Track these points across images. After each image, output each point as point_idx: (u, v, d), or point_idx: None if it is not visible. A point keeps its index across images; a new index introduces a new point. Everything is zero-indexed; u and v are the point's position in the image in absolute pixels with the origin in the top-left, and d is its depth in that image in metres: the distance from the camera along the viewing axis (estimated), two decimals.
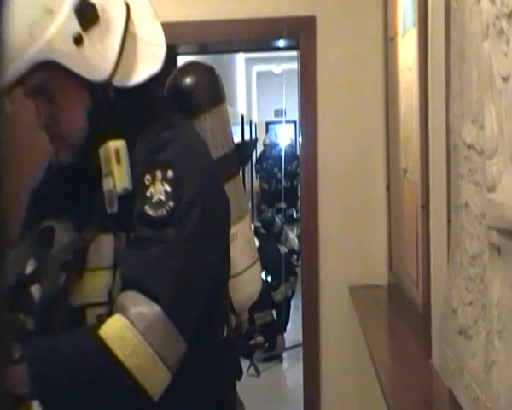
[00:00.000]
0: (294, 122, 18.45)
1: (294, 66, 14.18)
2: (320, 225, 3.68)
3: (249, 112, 15.60)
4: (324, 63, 3.64)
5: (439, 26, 2.10)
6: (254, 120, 16.00)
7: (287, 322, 6.55)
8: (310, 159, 3.66)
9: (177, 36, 3.68)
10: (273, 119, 17.26)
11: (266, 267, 6.26)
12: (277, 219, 6.81)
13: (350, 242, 3.70)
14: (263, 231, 6.56)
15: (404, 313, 2.90)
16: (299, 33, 3.61)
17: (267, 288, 6.30)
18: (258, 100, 17.75)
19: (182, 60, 6.07)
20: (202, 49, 4.01)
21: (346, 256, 3.70)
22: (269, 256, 6.14)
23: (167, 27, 3.56)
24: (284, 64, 16.43)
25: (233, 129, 7.65)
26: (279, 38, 3.74)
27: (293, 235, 6.94)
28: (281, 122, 16.14)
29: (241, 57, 13.52)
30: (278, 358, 6.30)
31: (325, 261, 3.71)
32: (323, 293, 3.72)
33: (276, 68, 16.79)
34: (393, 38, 3.06)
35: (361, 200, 3.67)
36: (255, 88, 17.69)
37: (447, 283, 1.87)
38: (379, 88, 3.57)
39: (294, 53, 13.92)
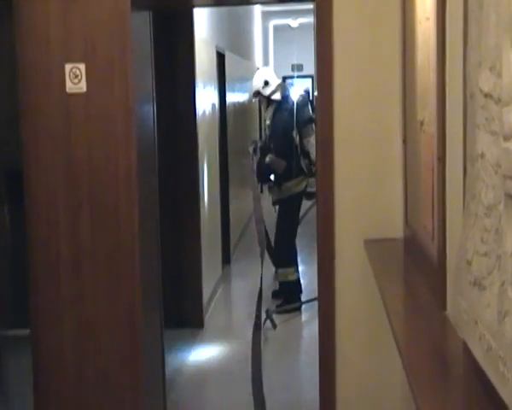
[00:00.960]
0: (311, 77, 18.33)
1: (312, 19, 14.01)
2: (336, 179, 3.67)
3: (266, 66, 15.47)
4: (340, 15, 3.57)
5: None
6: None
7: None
8: (325, 113, 3.62)
9: None
10: (290, 73, 17.08)
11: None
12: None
13: (365, 195, 3.68)
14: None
15: (419, 266, 2.89)
16: None
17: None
18: (275, 54, 17.57)
19: (198, 12, 6.05)
20: (217, 2, 3.96)
21: (362, 209, 3.69)
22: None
23: None
24: (301, 18, 16.28)
25: (250, 83, 7.69)
26: None
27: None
28: (299, 77, 15.96)
29: (257, 11, 13.36)
30: (297, 310, 6.34)
31: (340, 214, 3.70)
32: (339, 246, 3.72)
33: (293, 22, 16.60)
34: None
35: (377, 153, 3.64)
36: (272, 42, 17.50)
37: (462, 234, 1.86)
38: (395, 39, 3.50)
39: (311, 6, 13.71)
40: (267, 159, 6.34)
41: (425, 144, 2.70)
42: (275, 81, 6.50)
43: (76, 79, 3.67)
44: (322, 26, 3.58)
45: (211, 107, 6.87)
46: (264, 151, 6.43)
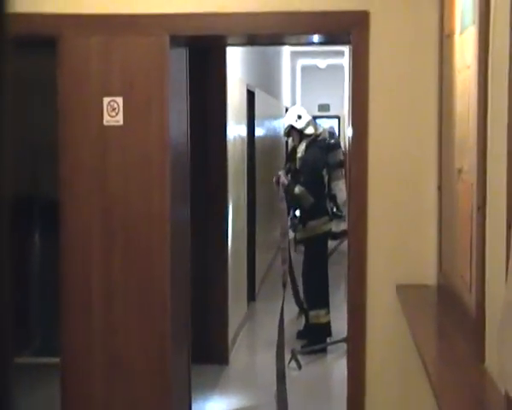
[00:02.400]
0: (338, 117, 18.41)
1: (339, 61, 14.11)
2: (369, 222, 3.65)
3: (294, 105, 15.56)
4: (377, 59, 3.60)
5: (503, 23, 2.06)
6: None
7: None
8: (359, 155, 3.62)
9: (227, 27, 3.69)
10: (317, 113, 17.16)
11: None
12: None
13: (398, 240, 3.66)
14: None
15: (454, 316, 2.85)
16: (351, 28, 3.57)
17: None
18: (303, 94, 17.68)
19: (230, 50, 6.12)
20: (250, 41, 4.00)
21: (395, 254, 3.66)
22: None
23: (218, 18, 3.63)
24: (329, 59, 16.41)
25: (278, 122, 7.85)
26: (331, 33, 3.70)
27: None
28: (325, 117, 16.04)
29: (286, 51, 13.48)
30: (323, 351, 6.24)
31: (373, 258, 3.67)
32: (371, 290, 3.69)
33: (321, 63, 16.73)
34: (450, 36, 3.00)
35: (411, 198, 3.63)
36: (299, 82, 17.62)
37: (507, 288, 1.83)
38: (432, 85, 3.51)
39: (340, 48, 13.75)
40: (297, 189, 6.20)
41: (463, 193, 2.69)
42: (307, 116, 6.52)
43: (113, 112, 3.72)
44: (358, 69, 3.60)
45: (240, 144, 6.90)
46: (295, 179, 6.31)
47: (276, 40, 3.90)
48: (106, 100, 3.72)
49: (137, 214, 3.73)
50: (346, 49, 14.97)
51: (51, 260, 4.08)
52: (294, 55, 15.22)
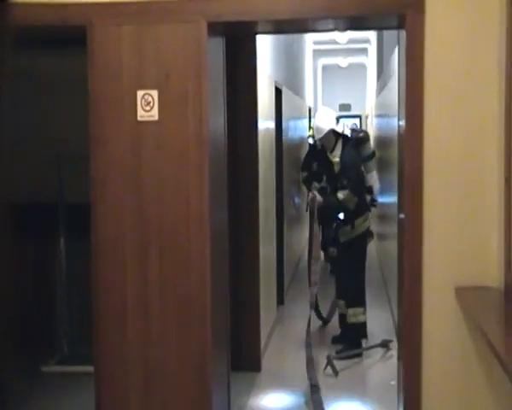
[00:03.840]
0: (359, 116, 18.12)
1: (360, 59, 13.93)
2: (425, 220, 3.37)
3: (315, 105, 15.30)
4: (433, 44, 3.32)
5: None
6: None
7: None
8: (414, 148, 3.35)
9: (268, 10, 3.43)
10: (338, 113, 16.88)
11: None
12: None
13: (457, 238, 3.37)
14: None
15: None
16: (405, 9, 3.29)
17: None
18: (324, 93, 17.42)
19: (260, 46, 5.87)
20: (292, 27, 3.74)
21: (453, 254, 3.38)
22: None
23: (257, 1, 3.37)
24: (351, 57, 16.15)
25: (302, 121, 7.53)
26: (382, 15, 3.42)
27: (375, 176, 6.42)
28: (346, 116, 15.76)
29: (309, 49, 13.21)
30: (359, 356, 5.98)
31: (430, 259, 3.39)
32: (427, 294, 3.40)
33: (343, 61, 16.46)
34: None
35: (471, 192, 3.34)
36: (320, 80, 17.35)
37: None
38: (497, 69, 3.23)
39: (362, 45, 13.57)
40: (340, 195, 5.95)
41: None
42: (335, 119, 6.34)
43: (148, 106, 3.46)
44: (412, 57, 3.32)
45: (269, 143, 6.64)
46: (334, 185, 6.08)
47: (320, 25, 3.62)
48: (140, 93, 3.47)
49: (174, 216, 3.48)
50: (368, 46, 14.75)
51: (78, 264, 3.84)
52: (316, 53, 14.96)
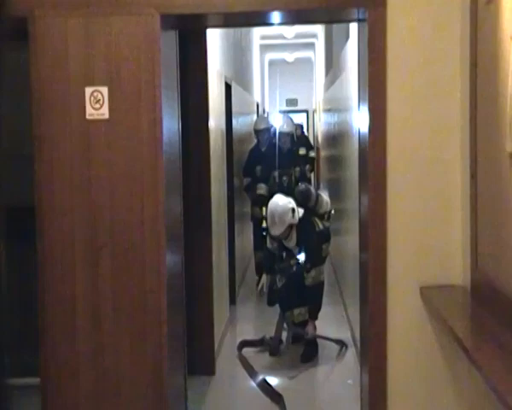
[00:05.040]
0: (306, 111, 18.09)
1: (307, 54, 13.91)
2: (389, 217, 3.29)
3: (263, 100, 15.19)
4: (395, 35, 3.23)
5: None
6: (266, 108, 15.59)
7: (318, 309, 6.01)
8: (377, 142, 3.26)
9: (227, 2, 3.28)
10: (285, 108, 16.84)
11: (302, 247, 5.79)
12: (312, 189, 6.16)
13: (421, 237, 3.31)
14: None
15: (503, 317, 2.52)
16: (367, 2, 3.19)
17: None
18: (270, 88, 17.33)
19: (210, 37, 5.71)
20: (250, 19, 3.60)
21: (417, 253, 3.31)
22: (304, 236, 5.74)
23: None
24: (297, 52, 16.09)
25: (251, 118, 7.21)
26: (342, 7, 3.31)
27: (326, 197, 6.18)
28: (293, 111, 15.69)
29: (256, 44, 13.09)
30: (313, 358, 5.85)
31: (394, 259, 3.31)
32: (392, 294, 3.32)
33: (289, 56, 16.39)
34: (492, 1, 2.64)
35: (435, 188, 3.28)
36: (267, 76, 17.26)
37: None
38: (459, 62, 3.16)
39: (309, 40, 13.51)
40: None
41: None
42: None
43: (97, 103, 3.28)
44: (374, 49, 3.23)
45: (220, 138, 6.50)
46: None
47: (276, 18, 3.48)
48: (88, 90, 3.28)
49: (128, 218, 3.30)
50: (315, 41, 14.71)
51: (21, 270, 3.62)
52: (263, 48, 14.85)
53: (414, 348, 3.34)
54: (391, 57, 3.23)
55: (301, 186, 6.16)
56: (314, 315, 5.89)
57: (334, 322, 6.71)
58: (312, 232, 5.77)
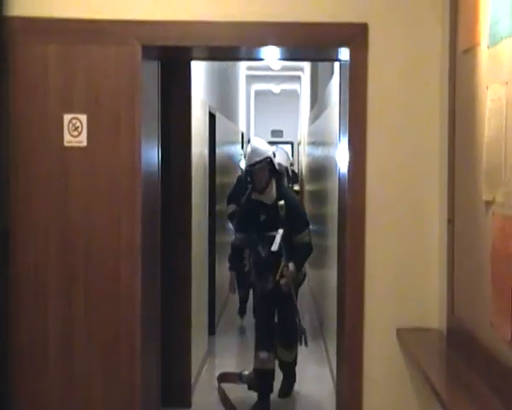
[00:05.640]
0: (292, 143, 18.14)
1: (293, 86, 13.96)
2: (366, 257, 3.27)
3: (248, 130, 15.23)
4: (376, 76, 3.24)
5: None
6: (252, 139, 15.62)
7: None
8: (357, 183, 3.25)
9: (209, 36, 3.27)
10: (270, 139, 16.87)
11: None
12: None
13: (399, 279, 3.29)
14: None
15: (477, 365, 2.50)
16: (348, 42, 3.20)
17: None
18: (256, 119, 17.38)
19: (195, 67, 5.70)
20: (233, 54, 3.59)
21: (394, 295, 3.30)
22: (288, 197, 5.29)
23: (198, 26, 3.21)
24: (283, 84, 16.18)
25: (235, 147, 6.96)
26: (325, 47, 3.32)
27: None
28: (279, 143, 15.71)
29: (242, 75, 13.15)
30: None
31: (371, 300, 3.29)
32: (368, 335, 3.29)
33: (275, 88, 16.47)
34: (470, 50, 2.65)
35: (413, 233, 3.27)
36: (253, 106, 17.32)
37: None
38: (438, 106, 3.18)
39: (295, 73, 13.52)
40: (306, 238, 5.32)
41: (496, 228, 2.31)
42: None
43: (75, 131, 3.24)
44: (355, 88, 3.24)
45: (202, 168, 6.47)
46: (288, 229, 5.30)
47: (262, 53, 3.48)
48: (67, 117, 3.24)
49: (103, 247, 3.26)
50: (301, 74, 14.81)
51: None
52: (249, 79, 14.92)
53: (389, 389, 3.31)
54: (371, 97, 3.23)
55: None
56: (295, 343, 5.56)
57: (313, 357, 6.66)
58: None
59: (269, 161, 5.26)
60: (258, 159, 5.22)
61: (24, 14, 3.23)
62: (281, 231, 5.12)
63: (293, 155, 16.85)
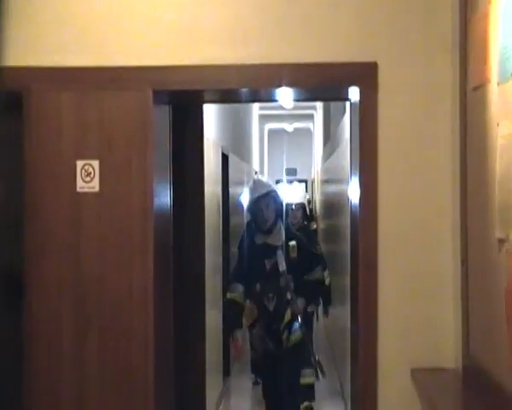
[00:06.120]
0: (305, 181, 18.17)
1: (306, 124, 13.99)
2: (379, 298, 3.24)
3: (261, 169, 15.29)
4: (386, 115, 3.24)
5: None
6: (265, 177, 15.67)
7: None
8: (369, 223, 3.24)
9: (221, 79, 3.31)
10: (284, 177, 16.90)
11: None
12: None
13: (412, 318, 3.25)
14: None
15: (494, 406, 2.45)
16: (358, 81, 3.22)
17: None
18: (269, 158, 17.46)
19: (207, 108, 5.74)
20: (244, 97, 3.63)
21: (408, 335, 3.25)
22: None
23: (209, 70, 3.24)
24: (296, 122, 16.28)
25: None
26: (334, 87, 3.34)
27: None
28: (292, 181, 15.74)
29: (255, 114, 13.25)
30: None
31: (385, 340, 3.25)
32: (382, 375, 3.25)
33: (289, 127, 16.56)
34: (480, 87, 2.66)
35: (427, 273, 3.24)
36: (266, 145, 17.41)
37: None
38: (450, 144, 3.17)
39: (308, 111, 13.54)
40: (319, 275, 5.06)
41: (510, 267, 2.29)
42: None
43: (88, 177, 3.27)
44: (366, 127, 3.24)
45: (216, 208, 6.49)
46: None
47: (272, 95, 3.52)
48: (79, 163, 3.28)
49: (116, 295, 3.26)
50: (314, 112, 14.89)
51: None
52: (262, 118, 15.02)
53: None
54: (382, 136, 3.23)
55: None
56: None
57: (327, 396, 6.58)
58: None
59: (274, 196, 4.67)
60: (263, 191, 4.64)
61: (38, 63, 3.29)
62: (280, 252, 4.53)
63: (307, 193, 16.87)
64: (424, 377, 3.14)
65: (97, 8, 3.32)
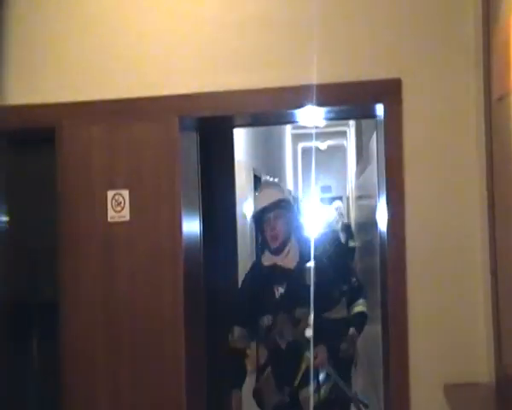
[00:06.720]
0: (341, 198, 18.13)
1: (339, 141, 13.80)
2: (409, 313, 3.24)
3: (296, 188, 15.32)
4: (411, 130, 3.25)
5: None
6: (300, 196, 15.67)
7: None
8: (397, 238, 3.24)
9: (244, 104, 3.37)
10: (320, 195, 16.88)
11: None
12: None
13: (444, 333, 3.24)
14: None
15: None
16: (382, 98, 3.25)
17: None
18: (304, 176, 17.48)
19: (238, 130, 5.78)
20: (270, 119, 3.65)
21: (440, 350, 3.24)
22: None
23: (233, 96, 3.30)
24: (329, 140, 16.27)
25: None
26: (360, 105, 3.37)
27: None
28: (327, 199, 15.71)
29: (288, 134, 13.30)
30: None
31: (416, 356, 3.24)
32: (415, 392, 3.24)
33: (322, 144, 16.57)
34: (505, 97, 2.66)
35: (455, 285, 3.23)
36: (300, 164, 17.45)
37: None
38: (476, 155, 3.17)
39: (341, 128, 13.41)
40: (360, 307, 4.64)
41: None
42: None
43: (119, 206, 3.35)
44: (391, 144, 3.26)
45: (248, 232, 6.53)
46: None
47: (300, 117, 3.55)
48: (110, 194, 3.37)
49: (147, 320, 3.33)
50: (347, 129, 14.89)
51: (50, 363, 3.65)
52: (295, 137, 15.07)
53: None
54: (408, 151, 3.24)
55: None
56: None
57: None
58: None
59: (286, 206, 3.60)
60: (271, 200, 3.58)
61: (68, 99, 3.42)
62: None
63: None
64: (457, 393, 3.11)
65: (122, 41, 3.42)
